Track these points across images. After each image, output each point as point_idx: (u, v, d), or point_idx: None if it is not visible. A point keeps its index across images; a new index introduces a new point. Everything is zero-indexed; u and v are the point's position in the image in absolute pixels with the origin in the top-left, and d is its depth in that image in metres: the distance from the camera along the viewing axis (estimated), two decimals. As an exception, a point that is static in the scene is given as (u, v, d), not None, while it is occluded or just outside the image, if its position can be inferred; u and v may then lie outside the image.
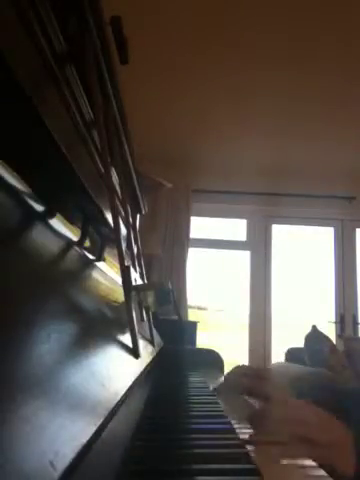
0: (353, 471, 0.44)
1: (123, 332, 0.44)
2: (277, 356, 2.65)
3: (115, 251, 0.46)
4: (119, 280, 0.47)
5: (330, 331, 2.59)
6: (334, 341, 2.08)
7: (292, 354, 2.16)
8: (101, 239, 0.59)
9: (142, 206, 0.92)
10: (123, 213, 0.63)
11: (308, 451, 0.44)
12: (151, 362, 0.63)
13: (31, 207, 0.34)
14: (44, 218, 0.36)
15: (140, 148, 0.89)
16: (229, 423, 0.56)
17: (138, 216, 0.94)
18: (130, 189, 0.80)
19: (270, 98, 2.05)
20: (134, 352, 0.45)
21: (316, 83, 1.91)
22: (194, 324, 1.83)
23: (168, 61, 1.83)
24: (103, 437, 0.24)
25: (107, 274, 0.57)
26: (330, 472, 0.41)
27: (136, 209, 0.91)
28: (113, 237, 0.48)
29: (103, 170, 0.47)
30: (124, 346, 0.42)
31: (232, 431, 0.52)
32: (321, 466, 0.42)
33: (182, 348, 1.39)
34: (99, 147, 0.47)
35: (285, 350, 2.29)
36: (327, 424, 0.48)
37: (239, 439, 0.47)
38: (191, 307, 2.73)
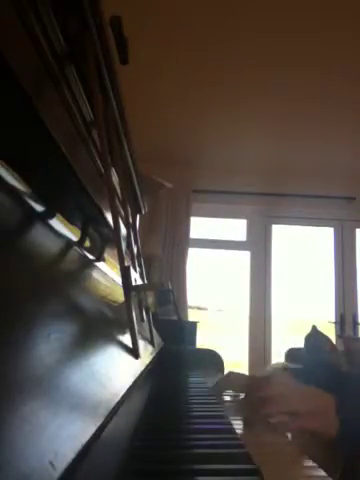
0: (335, 432, 0.50)
1: (123, 332, 0.44)
2: (277, 356, 2.65)
3: (115, 251, 0.46)
4: (119, 280, 0.47)
5: (330, 331, 2.59)
6: (334, 341, 2.08)
7: (292, 354, 2.16)
8: (101, 239, 0.59)
9: (142, 206, 0.92)
10: (123, 213, 0.63)
11: (294, 422, 0.51)
12: (151, 362, 0.63)
13: (31, 207, 0.34)
14: (44, 218, 0.36)
15: (140, 148, 0.89)
16: (229, 423, 0.56)
17: (138, 216, 0.94)
18: (130, 189, 0.80)
19: (270, 98, 2.05)
20: (134, 352, 0.45)
21: (316, 84, 1.91)
22: (194, 324, 1.83)
23: (168, 61, 1.83)
24: (103, 437, 0.24)
25: (107, 274, 0.57)
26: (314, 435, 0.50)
27: (136, 209, 0.91)
28: (113, 237, 0.48)
29: (103, 170, 0.47)
30: (124, 346, 0.42)
31: (232, 431, 0.52)
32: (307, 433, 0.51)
33: (182, 348, 1.39)
34: (99, 147, 0.47)
35: (285, 350, 2.28)
36: (309, 396, 0.55)
37: (239, 439, 0.47)
38: (191, 307, 2.73)
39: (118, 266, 0.46)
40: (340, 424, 0.50)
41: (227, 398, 0.78)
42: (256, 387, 0.66)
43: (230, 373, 0.82)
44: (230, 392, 0.80)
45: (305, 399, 0.53)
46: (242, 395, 0.77)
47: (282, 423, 0.50)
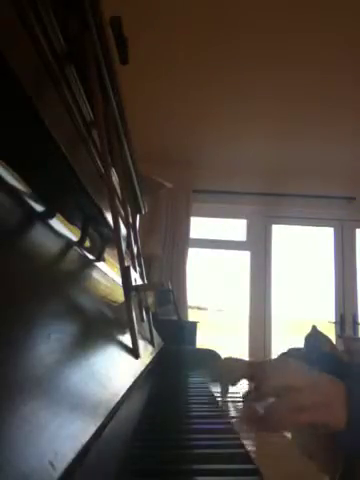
0: (344, 424, 0.44)
1: (123, 332, 0.44)
2: (277, 356, 2.65)
3: (115, 251, 0.46)
4: (119, 280, 0.47)
5: (330, 331, 2.59)
6: (334, 341, 2.08)
7: (292, 354, 2.16)
8: (101, 239, 0.59)
9: (142, 206, 0.92)
10: (123, 213, 0.63)
11: (299, 417, 0.45)
12: (151, 362, 0.63)
13: (31, 207, 0.34)
14: (44, 218, 0.36)
15: (140, 148, 0.89)
16: (229, 423, 0.56)
17: (138, 216, 0.94)
18: (130, 189, 0.80)
19: (270, 98, 2.05)
20: (134, 352, 0.45)
21: (316, 84, 1.91)
22: (194, 324, 1.83)
23: (168, 61, 1.83)
24: (103, 437, 0.24)
25: (107, 274, 0.57)
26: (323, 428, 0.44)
27: (136, 209, 0.91)
28: (113, 237, 0.48)
29: (103, 170, 0.47)
30: (124, 346, 0.42)
31: (232, 431, 0.52)
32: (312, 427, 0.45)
33: (182, 348, 1.39)
34: (99, 147, 0.47)
35: (285, 350, 2.28)
36: (314, 385, 0.48)
37: (239, 439, 0.47)
38: (191, 307, 2.73)
39: (118, 266, 0.46)
40: (349, 417, 0.45)
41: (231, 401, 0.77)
42: (262, 377, 0.62)
43: (228, 359, 0.78)
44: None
45: (313, 390, 0.48)
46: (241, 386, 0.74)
47: (286, 419, 0.46)
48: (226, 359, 0.80)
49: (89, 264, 0.48)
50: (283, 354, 0.84)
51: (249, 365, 0.70)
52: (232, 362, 0.74)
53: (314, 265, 2.95)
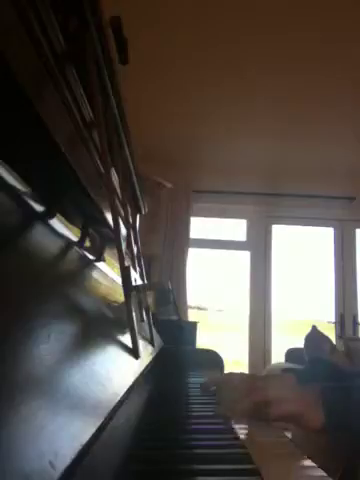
0: (320, 424, 0.48)
1: (123, 332, 0.44)
2: (277, 356, 2.65)
3: (115, 251, 0.46)
4: (119, 280, 0.47)
5: (330, 331, 2.59)
6: (334, 341, 2.08)
7: (292, 354, 2.16)
8: (101, 239, 0.59)
9: (142, 206, 0.92)
10: (123, 213, 0.63)
11: (273, 411, 0.49)
12: (151, 362, 0.63)
13: (31, 207, 0.34)
14: (44, 218, 0.36)
15: (140, 148, 0.89)
16: (229, 423, 0.56)
17: (138, 216, 0.94)
18: (130, 189, 0.80)
19: (270, 99, 2.05)
20: (134, 352, 0.45)
21: (316, 84, 1.91)
22: (194, 324, 1.83)
23: (168, 61, 1.83)
24: (103, 437, 0.24)
25: (107, 274, 0.57)
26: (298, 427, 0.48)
27: (136, 209, 0.91)
28: (113, 237, 0.48)
29: (103, 170, 0.47)
30: (124, 346, 0.42)
31: (232, 431, 0.52)
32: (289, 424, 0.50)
33: (182, 348, 1.39)
34: (99, 147, 0.46)
35: (285, 350, 2.29)
36: (289, 388, 0.53)
37: (239, 439, 0.47)
38: (191, 307, 2.74)
39: (118, 266, 0.46)
40: (326, 416, 0.48)
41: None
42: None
43: (231, 374, 0.79)
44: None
45: (286, 391, 0.52)
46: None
47: (258, 411, 0.49)
48: (228, 374, 0.80)
49: (89, 264, 0.48)
50: (283, 370, 0.84)
51: (250, 381, 0.70)
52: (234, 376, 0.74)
53: (314, 265, 2.95)
